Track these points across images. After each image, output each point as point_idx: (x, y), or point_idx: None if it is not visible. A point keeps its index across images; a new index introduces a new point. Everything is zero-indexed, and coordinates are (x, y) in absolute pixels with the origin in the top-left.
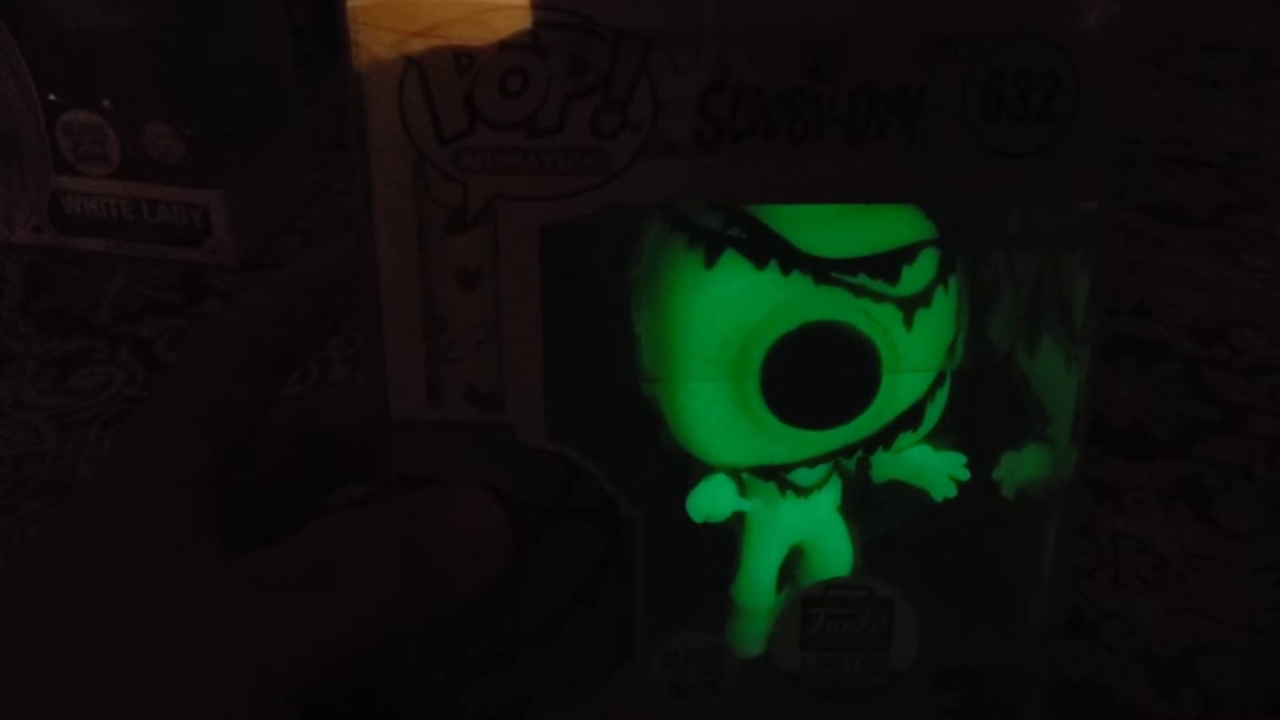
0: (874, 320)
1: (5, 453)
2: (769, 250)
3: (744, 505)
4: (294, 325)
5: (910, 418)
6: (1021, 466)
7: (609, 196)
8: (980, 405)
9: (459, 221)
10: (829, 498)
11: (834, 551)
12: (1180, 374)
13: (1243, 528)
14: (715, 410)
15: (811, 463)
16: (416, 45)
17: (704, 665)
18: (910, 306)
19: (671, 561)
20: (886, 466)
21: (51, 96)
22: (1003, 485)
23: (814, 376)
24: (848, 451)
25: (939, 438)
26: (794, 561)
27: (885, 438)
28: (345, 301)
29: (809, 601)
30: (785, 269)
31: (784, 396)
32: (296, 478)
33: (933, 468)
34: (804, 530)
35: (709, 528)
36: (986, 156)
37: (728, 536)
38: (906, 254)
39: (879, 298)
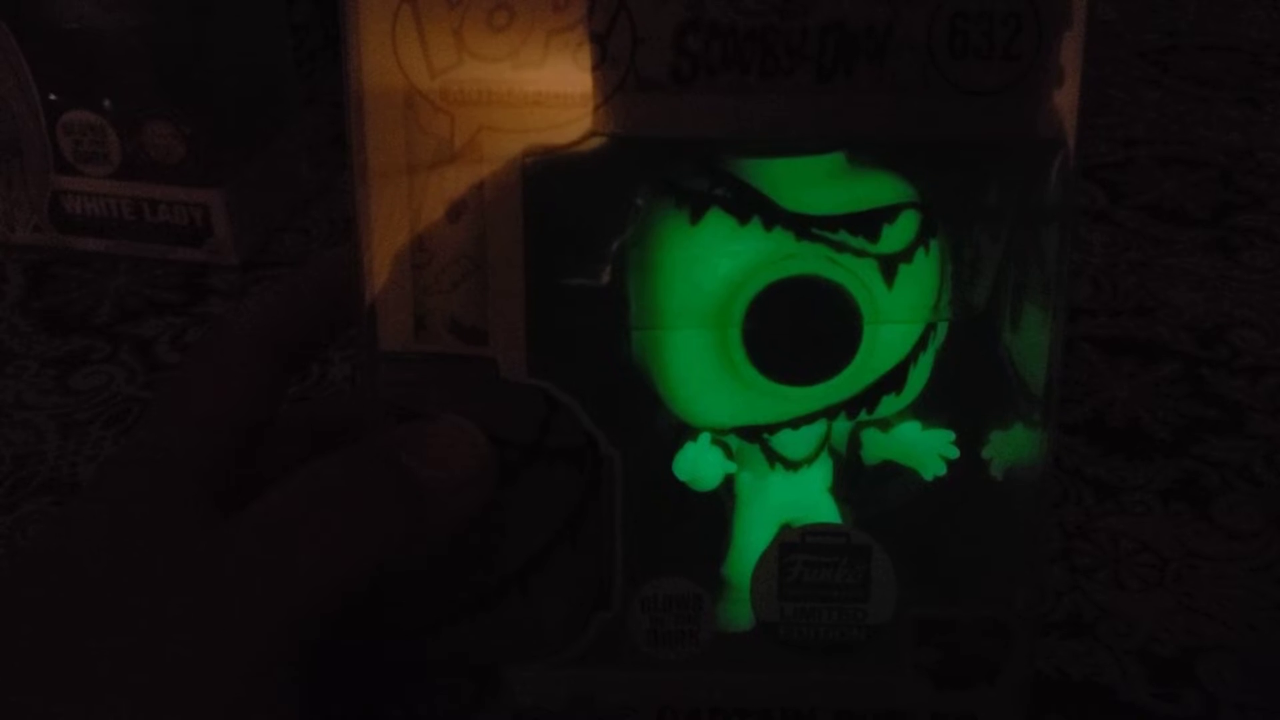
0: (854, 275)
1: (6, 452)
2: (752, 207)
3: (730, 467)
4: (305, 323)
5: (893, 380)
6: (1009, 445)
7: (588, 129)
8: (966, 381)
9: (446, 152)
10: (820, 476)
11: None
12: (1180, 374)
13: (1242, 527)
14: (699, 366)
15: (795, 424)
16: None
17: (682, 613)
18: (891, 264)
19: (651, 504)
20: (877, 446)
21: (52, 96)
22: (992, 464)
23: (795, 330)
24: (831, 412)
25: (927, 415)
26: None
27: (868, 400)
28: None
29: (786, 548)
30: (767, 225)
31: (766, 350)
32: None
33: (922, 445)
34: (795, 509)
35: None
36: (953, 94)
37: (718, 509)
38: (887, 214)
39: (859, 254)
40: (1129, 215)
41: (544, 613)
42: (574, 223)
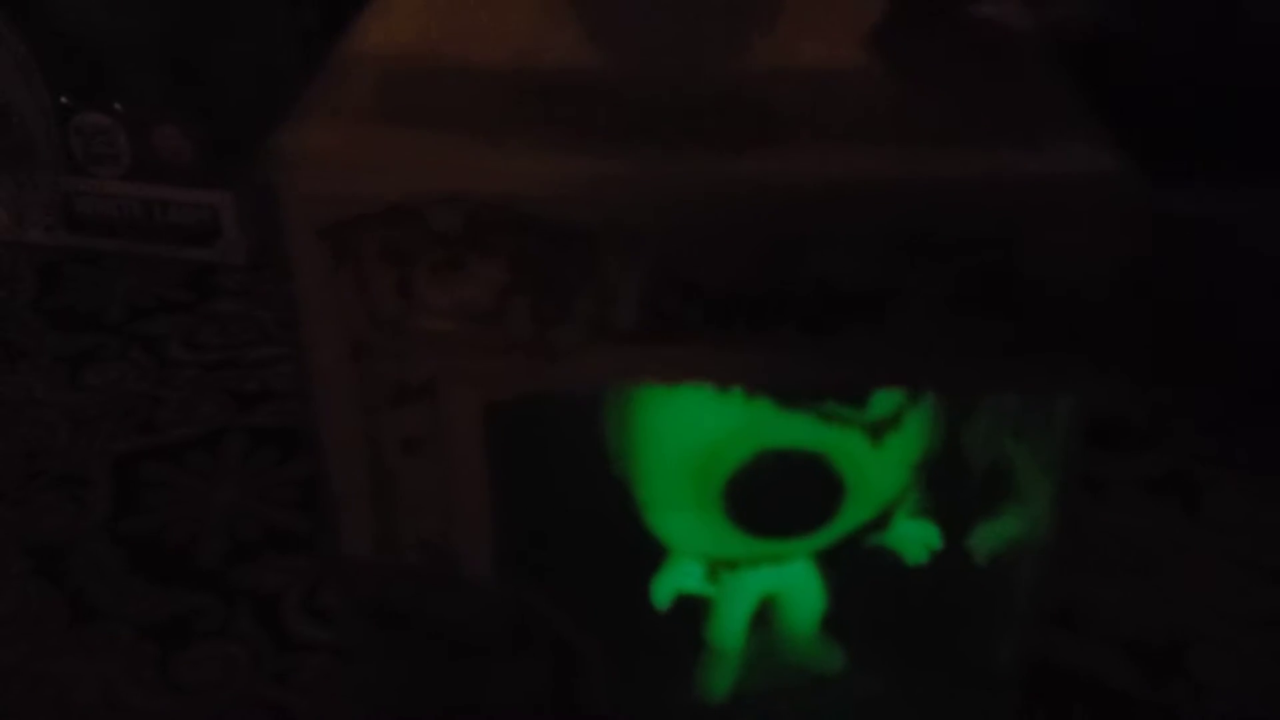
0: (839, 444)
1: (18, 447)
2: None
3: (710, 590)
4: None
5: (879, 523)
6: (997, 533)
7: (552, 380)
8: (959, 484)
9: (400, 395)
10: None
11: (806, 596)
12: None
13: (1229, 518)
14: (681, 514)
15: (776, 559)
16: (346, 235)
17: None
18: (879, 430)
19: (629, 691)
20: None
21: (63, 99)
22: (976, 553)
23: (776, 498)
24: (814, 551)
25: (915, 510)
26: (767, 606)
27: (854, 539)
28: None
29: None
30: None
31: (747, 514)
32: None
33: (908, 536)
34: (777, 583)
35: (666, 654)
36: (955, 351)
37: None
38: None
39: (846, 422)
40: None
41: None
42: (539, 454)
